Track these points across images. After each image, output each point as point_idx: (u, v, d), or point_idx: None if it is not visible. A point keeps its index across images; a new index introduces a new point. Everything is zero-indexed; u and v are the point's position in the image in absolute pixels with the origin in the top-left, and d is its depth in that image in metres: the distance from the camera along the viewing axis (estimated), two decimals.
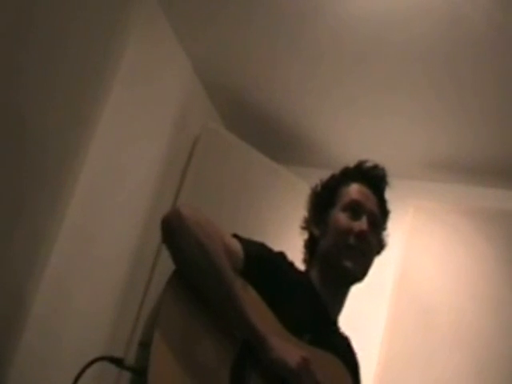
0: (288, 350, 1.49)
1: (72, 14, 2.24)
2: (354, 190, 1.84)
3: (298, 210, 1.96)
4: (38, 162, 2.20)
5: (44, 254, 2.28)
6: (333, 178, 1.91)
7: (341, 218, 1.80)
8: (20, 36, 2.03)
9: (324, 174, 1.94)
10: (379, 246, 1.87)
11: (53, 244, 2.31)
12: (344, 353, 1.73)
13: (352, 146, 3.33)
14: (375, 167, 1.88)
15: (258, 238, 1.73)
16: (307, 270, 1.84)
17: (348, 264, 1.74)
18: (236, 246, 1.59)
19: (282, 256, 1.74)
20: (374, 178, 1.88)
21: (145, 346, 1.37)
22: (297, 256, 1.86)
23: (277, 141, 3.50)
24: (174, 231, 1.50)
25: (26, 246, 2.19)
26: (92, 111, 2.44)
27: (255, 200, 3.24)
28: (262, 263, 1.62)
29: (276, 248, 1.74)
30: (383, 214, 1.89)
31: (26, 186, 2.15)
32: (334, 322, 1.80)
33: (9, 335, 2.17)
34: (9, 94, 2.01)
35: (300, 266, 1.85)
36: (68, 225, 2.36)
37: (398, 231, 2.94)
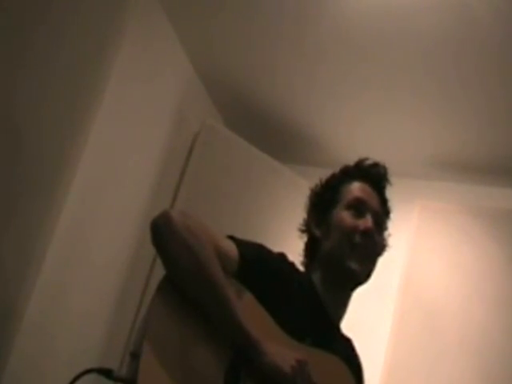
0: (281, 354, 1.46)
1: (68, 9, 2.21)
2: (357, 188, 1.79)
3: (299, 210, 1.90)
4: (32, 162, 2.18)
5: (37, 258, 2.26)
6: (333, 177, 1.86)
7: (345, 216, 1.75)
8: (15, 36, 2.00)
9: (327, 174, 1.90)
10: (382, 246, 1.82)
11: (47, 248, 2.29)
12: (346, 355, 1.69)
13: (356, 144, 3.29)
14: (376, 165, 1.84)
15: (257, 237, 1.69)
16: (308, 273, 1.79)
17: (353, 265, 1.69)
18: (230, 248, 1.54)
19: (282, 257, 1.69)
20: (375, 176, 1.83)
21: (135, 355, 1.32)
22: (298, 256, 1.82)
23: (278, 139, 3.47)
24: (163, 235, 1.45)
25: (19, 251, 2.17)
26: (89, 108, 2.42)
27: (255, 200, 3.21)
28: (259, 265, 1.57)
29: (277, 248, 1.69)
30: (385, 213, 1.84)
31: (19, 188, 2.13)
32: (336, 326, 1.75)
33: (1, 342, 2.13)
34: (3, 93, 1.98)
35: (301, 266, 1.80)
36: (63, 227, 2.34)
37: (403, 231, 2.94)
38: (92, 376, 1.40)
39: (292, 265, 1.70)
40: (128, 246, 2.76)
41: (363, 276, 1.72)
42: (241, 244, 1.57)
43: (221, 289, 1.43)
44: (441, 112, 3.01)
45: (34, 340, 2.27)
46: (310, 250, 1.81)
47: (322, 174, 1.89)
